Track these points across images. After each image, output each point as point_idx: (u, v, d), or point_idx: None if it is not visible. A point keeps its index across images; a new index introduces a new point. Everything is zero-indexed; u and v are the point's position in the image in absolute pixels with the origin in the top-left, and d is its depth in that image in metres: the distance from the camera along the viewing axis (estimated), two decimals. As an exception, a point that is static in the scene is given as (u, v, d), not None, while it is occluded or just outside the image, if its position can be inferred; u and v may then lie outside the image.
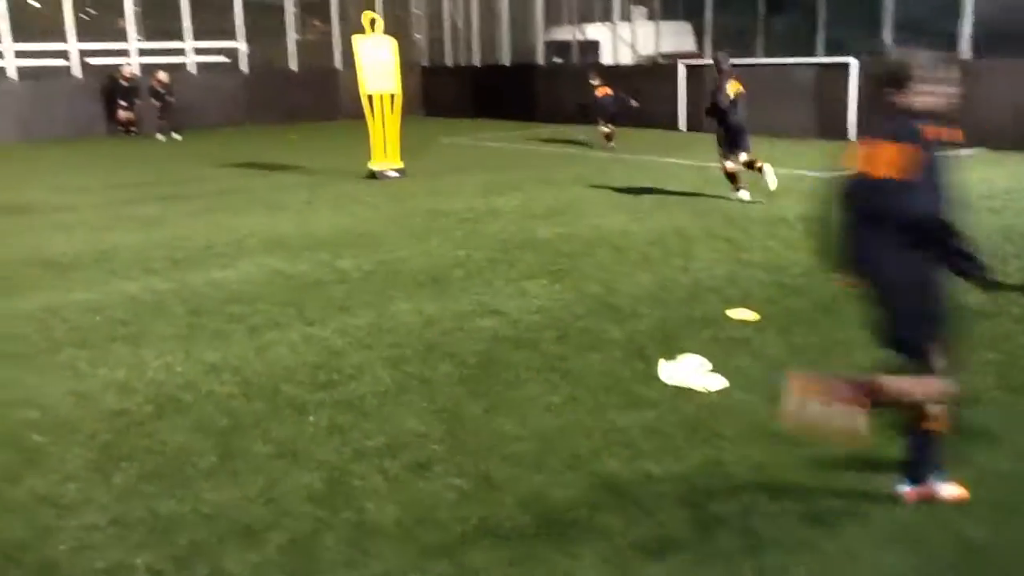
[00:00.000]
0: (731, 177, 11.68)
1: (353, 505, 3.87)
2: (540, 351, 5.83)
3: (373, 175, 14.11)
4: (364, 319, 6.60)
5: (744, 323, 6.34)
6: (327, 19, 27.77)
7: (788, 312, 6.59)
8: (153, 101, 22.30)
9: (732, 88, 11.36)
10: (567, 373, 5.42)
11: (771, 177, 11.56)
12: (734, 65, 11.92)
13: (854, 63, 18.66)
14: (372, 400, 5.06)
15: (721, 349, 5.77)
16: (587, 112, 18.64)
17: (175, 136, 22.23)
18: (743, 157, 11.56)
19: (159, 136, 22.19)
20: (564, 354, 5.75)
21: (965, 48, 17.23)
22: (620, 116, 18.15)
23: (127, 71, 22.65)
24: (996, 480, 3.99)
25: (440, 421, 4.75)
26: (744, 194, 11.61)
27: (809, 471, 4.10)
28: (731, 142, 11.50)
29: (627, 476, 4.10)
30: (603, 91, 17.92)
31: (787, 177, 13.64)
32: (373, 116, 14.04)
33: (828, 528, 3.62)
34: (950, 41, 17.44)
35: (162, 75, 22.34)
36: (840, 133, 18.89)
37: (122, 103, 22.52)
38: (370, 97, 14.03)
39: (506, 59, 27.07)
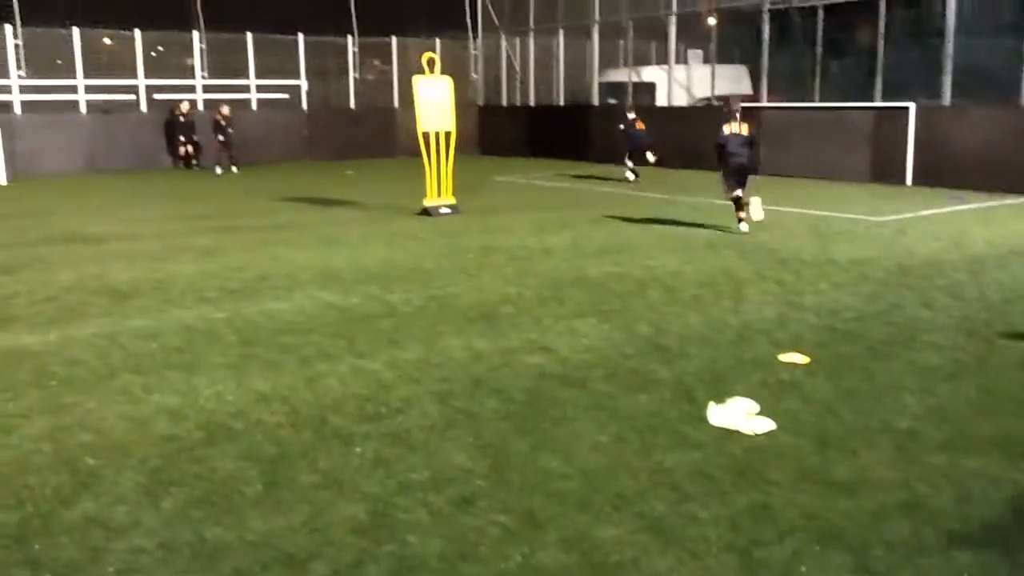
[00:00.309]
0: (737, 206, 12.30)
1: (397, 538, 3.88)
2: (588, 390, 5.81)
3: (427, 212, 14.26)
4: (413, 353, 6.64)
5: (794, 366, 6.26)
6: (386, 59, 28.30)
7: (839, 356, 6.49)
8: (216, 136, 22.86)
9: (728, 128, 12.14)
10: (614, 412, 5.39)
11: (757, 210, 12.16)
12: (747, 108, 13.02)
13: (912, 107, 18.46)
14: (419, 434, 5.08)
15: (770, 392, 5.70)
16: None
17: (233, 170, 22.76)
18: (737, 193, 12.22)
19: (218, 169, 22.74)
20: (612, 393, 5.73)
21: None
22: (641, 152, 19.30)
23: (184, 107, 23.35)
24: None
25: (485, 457, 4.75)
26: (743, 226, 12.27)
27: (859, 520, 4.01)
28: (734, 177, 12.16)
29: (673, 518, 4.04)
30: (641, 125, 18.87)
31: (841, 221, 13.50)
32: (428, 154, 14.23)
33: (879, 579, 3.54)
34: (1012, 88, 17.20)
35: (224, 109, 22.91)
36: (898, 177, 18.65)
37: (180, 138, 23.26)
38: (426, 135, 14.23)
39: (561, 99, 27.29)
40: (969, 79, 18.20)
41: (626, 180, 19.19)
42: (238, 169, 22.82)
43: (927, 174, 18.22)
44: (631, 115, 19.48)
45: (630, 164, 19.31)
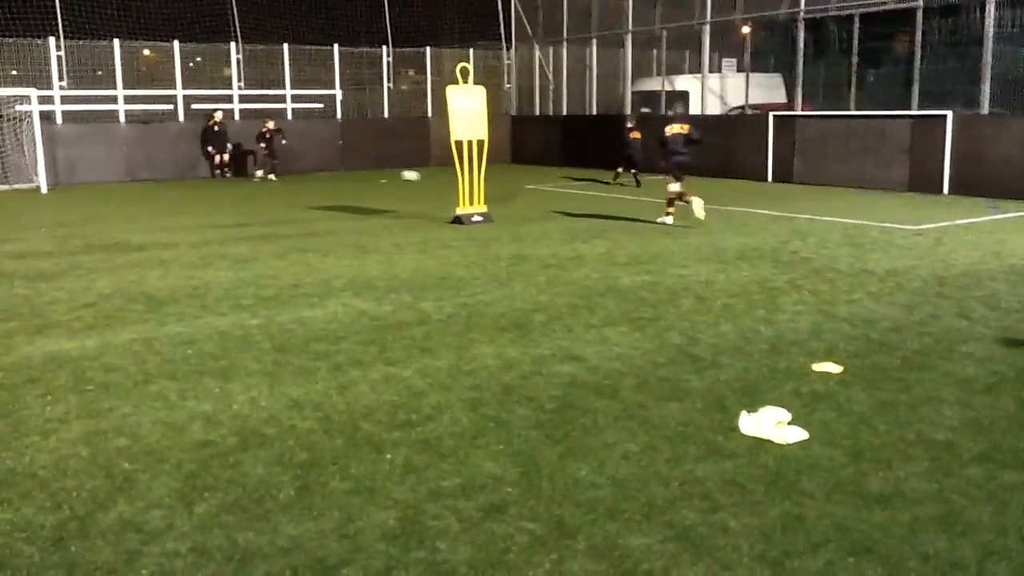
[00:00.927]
0: (671, 202, 13.99)
1: (426, 544, 3.89)
2: (619, 398, 5.79)
3: (459, 220, 14.31)
4: (445, 361, 6.67)
5: (828, 376, 6.20)
6: (420, 68, 28.49)
7: (874, 367, 6.42)
8: (259, 144, 23.50)
9: (670, 129, 13.71)
10: (645, 421, 5.37)
11: (699, 210, 13.43)
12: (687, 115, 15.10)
13: (950, 116, 18.24)
14: (449, 441, 5.09)
15: (803, 402, 5.65)
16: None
17: (271, 177, 23.27)
18: (675, 187, 13.70)
19: (258, 173, 23.55)
20: (643, 402, 5.71)
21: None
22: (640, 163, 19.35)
23: (217, 116, 23.73)
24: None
25: (516, 464, 4.75)
26: (668, 219, 14.03)
27: (893, 532, 3.96)
28: (674, 172, 13.68)
29: (703, 528, 4.02)
30: (636, 135, 18.86)
31: (876, 230, 13.36)
32: (461, 163, 14.29)
33: (913, 592, 3.49)
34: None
35: (270, 123, 23.63)
36: (935, 187, 18.44)
37: (210, 148, 23.73)
38: (459, 144, 14.30)
39: (594, 109, 27.29)
40: (1008, 87, 17.96)
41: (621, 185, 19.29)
42: (276, 178, 23.23)
43: (964, 183, 17.99)
44: (630, 124, 19.66)
45: (619, 170, 19.89)
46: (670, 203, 13.99)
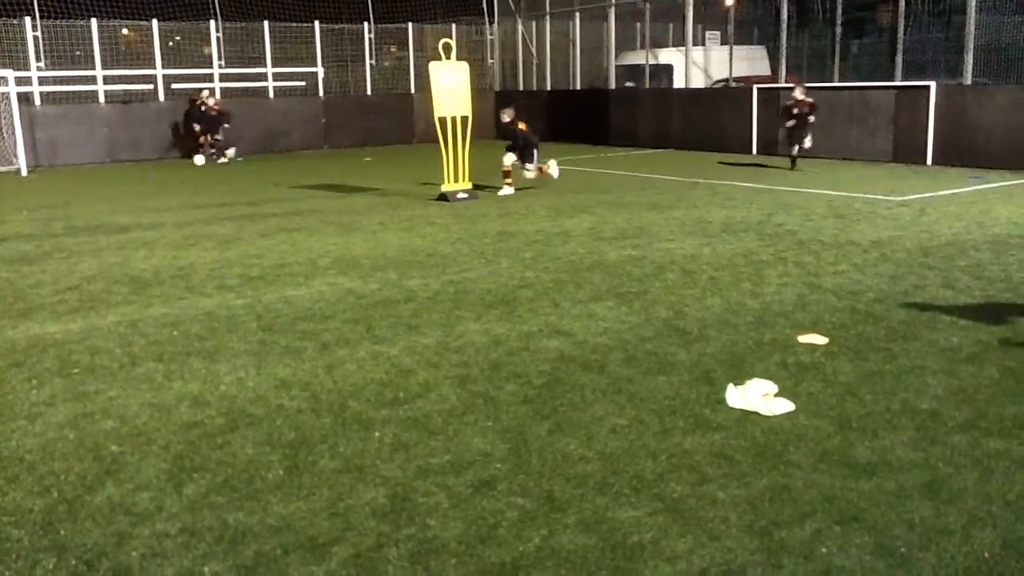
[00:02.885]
0: (505, 174, 15.23)
1: (416, 521, 3.90)
2: (607, 373, 5.81)
3: (444, 197, 14.26)
4: (432, 338, 6.66)
5: (814, 348, 6.23)
6: (403, 45, 28.28)
7: (860, 337, 6.45)
8: (194, 124, 22.27)
9: (523, 125, 15.24)
10: (633, 395, 5.38)
11: (554, 169, 15.33)
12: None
13: (933, 87, 18.26)
14: (437, 418, 5.09)
15: (790, 374, 5.68)
16: None
17: (223, 159, 22.30)
18: (530, 167, 15.24)
19: (198, 159, 22.22)
20: (631, 376, 5.72)
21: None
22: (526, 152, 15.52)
23: (207, 98, 22.77)
24: (1079, 515, 3.83)
25: (504, 440, 4.76)
26: (507, 190, 15.09)
27: (880, 501, 4.00)
28: (521, 155, 15.17)
29: (692, 500, 4.04)
30: (523, 126, 15.31)
31: (861, 201, 13.39)
32: (445, 140, 14.22)
33: (900, 560, 3.52)
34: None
35: (208, 98, 22.23)
36: (919, 157, 18.49)
37: (196, 127, 22.55)
38: (442, 120, 14.22)
39: (578, 83, 27.18)
40: (991, 58, 17.97)
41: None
42: (230, 159, 22.46)
43: (948, 154, 18.04)
44: (506, 118, 15.57)
45: (529, 166, 15.46)
46: (542, 172, 15.27)
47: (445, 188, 14.38)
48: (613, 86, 25.98)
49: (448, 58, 14.26)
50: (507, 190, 15.11)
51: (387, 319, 7.24)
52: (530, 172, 15.36)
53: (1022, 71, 17.39)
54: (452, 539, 3.74)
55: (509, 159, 15.20)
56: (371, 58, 27.33)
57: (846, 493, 4.08)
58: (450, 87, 14.21)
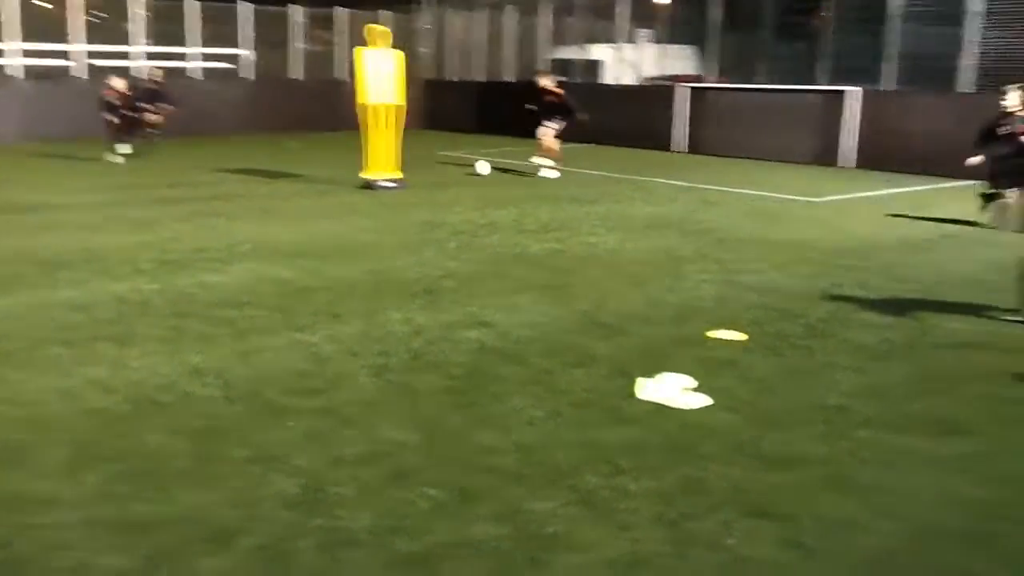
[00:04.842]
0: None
1: (327, 512, 3.83)
2: (526, 365, 5.81)
3: (370, 185, 14.10)
4: (353, 327, 6.58)
5: (731, 344, 6.33)
6: (332, 30, 27.87)
7: (777, 334, 6.57)
8: (107, 113, 18.25)
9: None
10: (552, 387, 5.39)
11: (484, 167, 16.05)
12: None
13: (851, 91, 18.74)
14: (354, 408, 5.03)
15: (707, 369, 5.76)
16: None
17: (117, 157, 17.96)
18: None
19: (110, 157, 17.96)
20: (550, 368, 5.73)
21: (968, 81, 17.30)
22: None
23: (154, 74, 21.16)
24: (973, 510, 3.96)
25: (421, 431, 4.72)
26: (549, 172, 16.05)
27: (788, 493, 4.07)
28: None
29: (606, 492, 4.06)
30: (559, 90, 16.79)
31: (782, 201, 13.67)
32: (371, 127, 14.05)
33: (806, 552, 3.59)
34: (952, 74, 17.52)
35: (117, 84, 18.33)
36: (840, 160, 18.98)
37: (140, 106, 20.31)
38: (368, 107, 14.03)
39: (510, 75, 27.17)
40: (912, 65, 18.50)
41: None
42: (122, 157, 18.18)
43: (868, 157, 18.53)
44: (548, 82, 16.69)
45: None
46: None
47: (372, 176, 14.21)
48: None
49: (378, 44, 14.10)
50: (550, 172, 16.09)
51: (307, 307, 7.12)
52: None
53: (942, 80, 17.95)
54: (362, 530, 3.70)
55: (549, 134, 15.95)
56: (300, 42, 26.88)
57: (756, 486, 4.15)
58: (380, 74, 14.04)
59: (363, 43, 14.21)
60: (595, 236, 10.42)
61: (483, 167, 15.86)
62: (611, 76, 24.60)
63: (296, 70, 27.02)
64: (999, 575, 3.48)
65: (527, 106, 16.82)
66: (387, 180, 14.26)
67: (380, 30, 14.26)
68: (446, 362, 5.82)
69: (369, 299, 7.40)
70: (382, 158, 14.25)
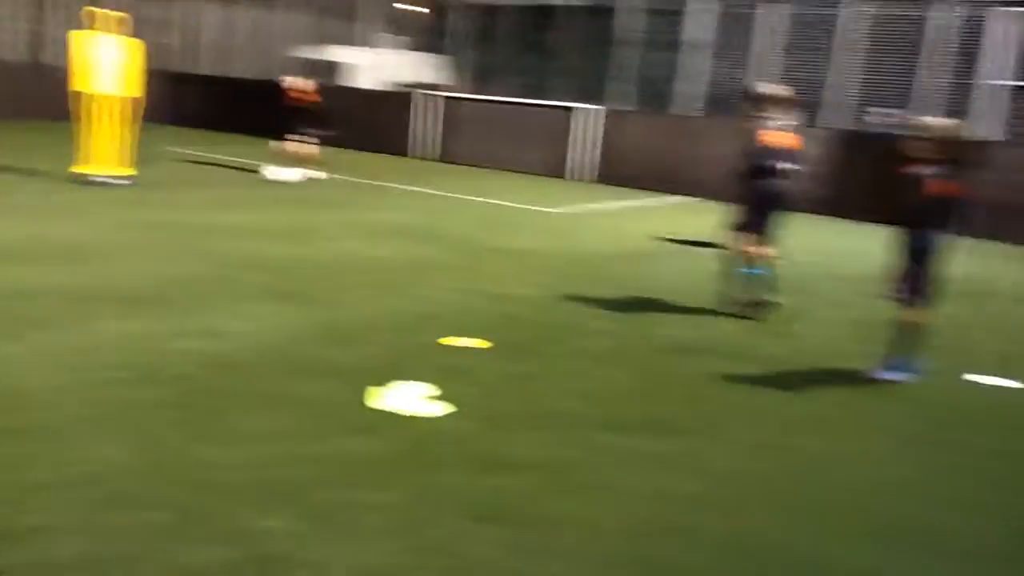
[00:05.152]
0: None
1: (30, 542, 3.46)
2: (259, 376, 5.58)
3: (90, 182, 13.05)
4: (64, 337, 6.02)
5: (468, 351, 6.42)
6: (43, 10, 25.64)
7: (513, 342, 6.76)
8: None
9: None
10: (286, 399, 5.21)
11: (282, 173, 15.50)
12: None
13: (590, 109, 19.80)
14: (60, 426, 4.59)
15: (444, 377, 5.80)
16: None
17: None
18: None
19: None
20: (285, 380, 5.54)
21: (688, 105, 18.78)
22: None
23: None
24: (686, 505, 4.25)
25: (138, 449, 4.39)
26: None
27: (520, 498, 4.17)
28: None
29: (340, 506, 3.97)
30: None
31: (522, 212, 14.15)
32: (94, 118, 13.03)
33: (533, 555, 3.69)
34: (673, 98, 18.97)
35: None
36: (577, 173, 19.98)
37: None
38: (86, 95, 12.99)
39: (246, 72, 26.24)
40: (649, 88, 19.88)
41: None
42: None
43: (604, 172, 19.64)
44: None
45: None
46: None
47: (84, 170, 13.10)
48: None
49: (103, 30, 13.09)
50: (291, 174, 15.73)
51: (8, 316, 6.44)
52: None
53: (671, 102, 19.37)
54: (72, 559, 3.37)
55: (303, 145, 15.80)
56: (20, 22, 24.49)
57: (489, 492, 4.22)
58: (103, 62, 13.04)
59: (89, 28, 13.16)
60: (337, 242, 10.27)
61: (280, 172, 15.26)
62: (361, 80, 24.43)
63: (11, 52, 24.59)
64: (703, 564, 3.74)
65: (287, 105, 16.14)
66: (112, 176, 13.27)
67: (110, 16, 13.27)
68: (169, 375, 5.46)
69: (83, 307, 6.80)
70: (106, 152, 13.25)
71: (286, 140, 16.07)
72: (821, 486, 4.60)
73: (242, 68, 26.24)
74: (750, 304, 8.19)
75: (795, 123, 10.66)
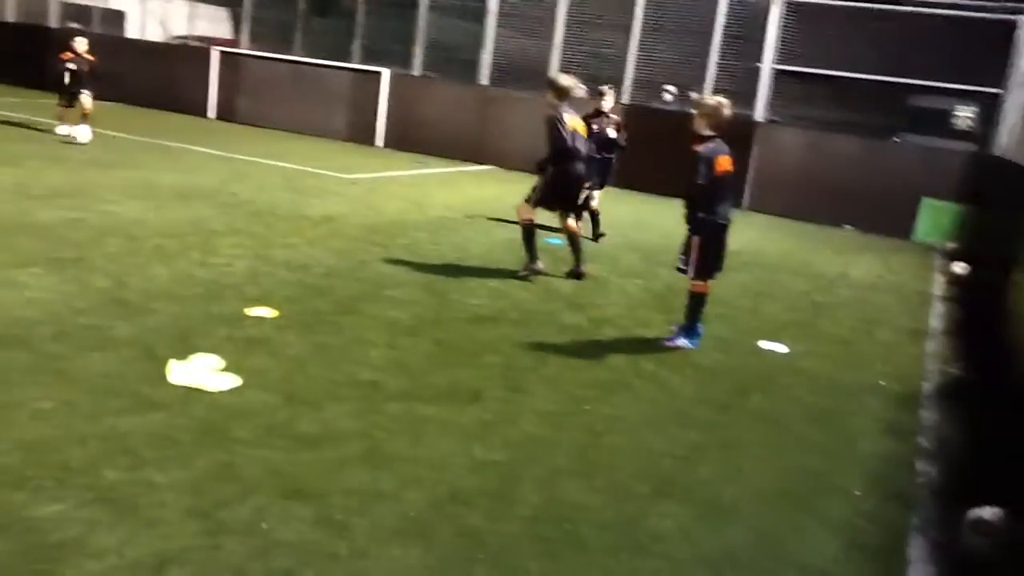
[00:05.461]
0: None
1: None
2: (31, 350, 5.13)
3: None
4: None
5: (263, 321, 6.20)
6: None
7: (309, 311, 6.58)
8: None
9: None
10: (62, 374, 4.83)
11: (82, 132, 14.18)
12: None
13: (386, 73, 19.49)
14: None
15: (238, 348, 5.57)
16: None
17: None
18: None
19: None
20: (60, 353, 5.12)
21: (484, 76, 18.86)
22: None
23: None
24: (490, 472, 4.31)
25: None
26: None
27: (321, 471, 4.08)
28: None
29: (126, 487, 3.73)
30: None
31: (315, 177, 13.79)
32: None
33: (338, 528, 3.62)
34: (472, 67, 18.99)
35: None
36: (370, 139, 19.64)
37: None
38: None
39: (11, 15, 23.95)
40: (439, 54, 19.75)
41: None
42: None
43: (396, 138, 19.43)
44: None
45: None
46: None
47: None
48: (55, 25, 23.38)
49: None
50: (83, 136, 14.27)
51: None
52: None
53: (465, 69, 19.36)
54: None
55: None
56: None
57: (289, 467, 4.09)
58: None
59: None
60: (116, 205, 9.59)
61: (77, 131, 14.07)
62: (135, 30, 22.85)
63: None
64: (516, 532, 3.81)
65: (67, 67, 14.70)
66: None
67: None
68: (-74, 349, 4.93)
69: None
70: None
71: (63, 98, 14.67)
72: (618, 451, 4.79)
73: (10, 11, 23.87)
74: (552, 274, 8.40)
75: (614, 116, 11.05)
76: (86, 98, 14.56)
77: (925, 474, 4.98)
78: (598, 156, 10.45)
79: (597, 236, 11.00)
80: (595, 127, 10.54)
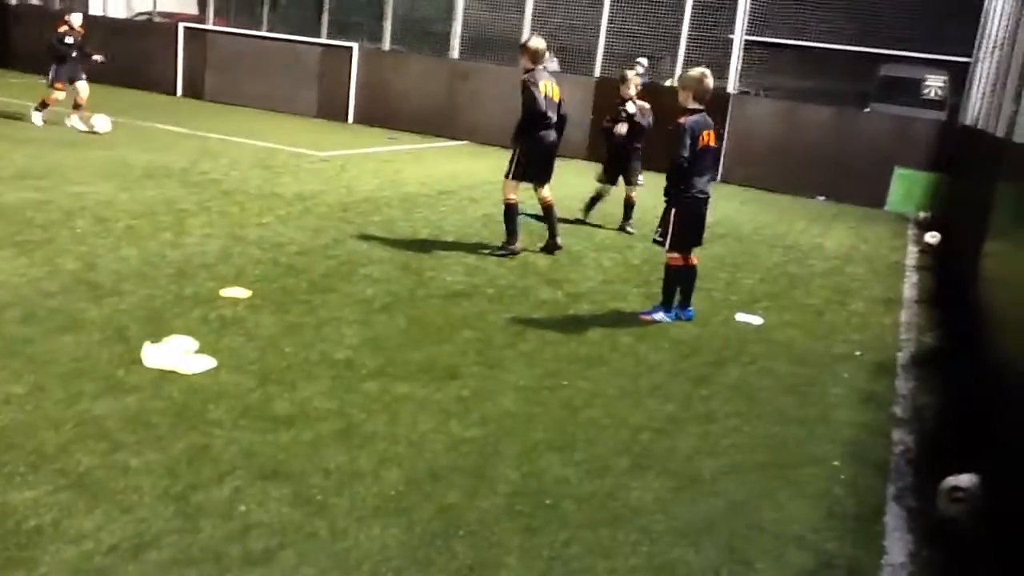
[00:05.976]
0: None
1: None
2: (0, 333, 5.05)
3: None
4: None
5: (237, 301, 6.14)
6: None
7: (282, 290, 6.53)
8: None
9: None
10: (32, 359, 4.76)
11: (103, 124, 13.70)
12: None
13: (355, 48, 19.28)
14: None
15: (212, 329, 5.52)
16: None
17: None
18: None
19: None
20: (30, 337, 5.05)
21: (455, 49, 18.71)
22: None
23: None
24: (468, 448, 4.30)
25: None
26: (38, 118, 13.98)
27: (298, 452, 4.06)
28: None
29: (101, 471, 3.69)
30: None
31: (287, 154, 13.65)
32: None
33: (316, 508, 3.60)
34: (443, 41, 18.83)
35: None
36: (341, 115, 19.45)
37: None
38: None
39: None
40: (407, 27, 19.54)
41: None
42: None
43: (367, 114, 19.25)
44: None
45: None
46: (44, 105, 13.97)
47: None
48: (15, 1, 22.95)
49: None
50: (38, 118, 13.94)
51: None
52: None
53: (435, 43, 19.19)
54: None
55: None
56: None
57: (266, 448, 4.06)
58: None
59: None
60: (85, 185, 9.44)
61: (97, 122, 13.66)
62: (97, 6, 22.46)
63: None
64: (498, 507, 3.80)
65: None
66: None
67: None
68: None
69: None
70: None
71: (58, 80, 13.92)
72: (596, 425, 4.79)
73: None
74: (529, 248, 8.37)
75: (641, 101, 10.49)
76: (83, 85, 13.91)
77: (901, 442, 5.04)
78: (637, 146, 10.21)
79: (624, 227, 10.47)
80: (635, 116, 10.07)
